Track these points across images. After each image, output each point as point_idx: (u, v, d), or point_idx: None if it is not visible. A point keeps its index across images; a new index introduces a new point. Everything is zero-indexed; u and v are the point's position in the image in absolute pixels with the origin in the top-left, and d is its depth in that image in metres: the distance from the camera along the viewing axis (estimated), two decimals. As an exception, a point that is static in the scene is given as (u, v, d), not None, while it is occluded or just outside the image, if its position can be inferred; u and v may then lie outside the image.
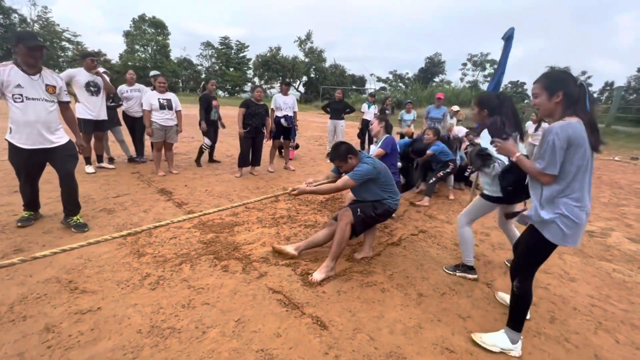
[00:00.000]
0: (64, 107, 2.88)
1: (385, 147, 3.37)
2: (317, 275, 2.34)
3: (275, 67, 43.16)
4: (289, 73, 42.58)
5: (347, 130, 8.27)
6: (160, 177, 4.75)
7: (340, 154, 2.57)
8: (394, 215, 3.91)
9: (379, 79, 45.49)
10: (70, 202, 2.88)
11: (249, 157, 5.21)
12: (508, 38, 3.33)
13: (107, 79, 4.62)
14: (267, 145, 5.70)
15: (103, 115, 4.67)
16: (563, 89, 1.57)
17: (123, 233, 1.87)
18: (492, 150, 2.07)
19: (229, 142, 8.53)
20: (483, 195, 2.42)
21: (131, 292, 2.05)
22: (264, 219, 3.46)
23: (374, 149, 3.45)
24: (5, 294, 1.93)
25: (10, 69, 2.52)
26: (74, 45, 38.78)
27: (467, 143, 2.29)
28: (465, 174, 5.45)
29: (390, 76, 46.26)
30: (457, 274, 2.59)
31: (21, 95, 2.54)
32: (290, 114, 5.58)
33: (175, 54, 45.23)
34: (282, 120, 5.48)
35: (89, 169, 4.69)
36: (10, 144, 2.62)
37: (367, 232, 2.82)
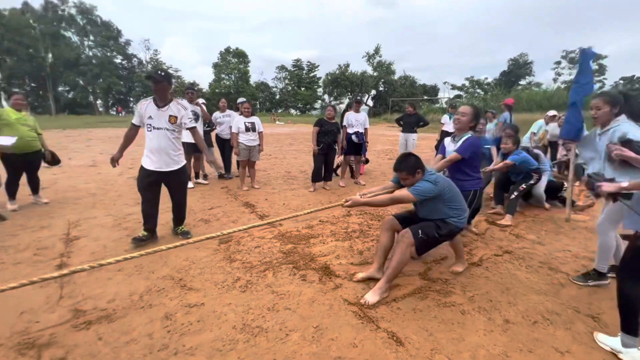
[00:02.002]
0: (192, 132, 3.27)
1: (463, 151, 2.80)
2: (370, 297, 2.26)
3: (344, 84, 44.38)
4: (357, 88, 43.27)
5: (420, 142, 8.04)
6: (244, 191, 5.31)
7: (410, 165, 2.39)
8: (475, 231, 3.66)
9: (454, 87, 43.01)
10: (179, 215, 3.42)
11: (322, 172, 5.48)
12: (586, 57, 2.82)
13: (204, 108, 5.44)
14: (338, 161, 5.92)
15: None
16: None
17: (213, 235, 2.19)
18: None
19: (303, 159, 9.05)
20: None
21: (226, 292, 2.36)
22: (337, 233, 3.60)
23: (451, 150, 2.93)
24: (136, 285, 2.42)
25: (147, 104, 3.04)
26: (175, 79, 46.17)
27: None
28: (560, 194, 4.72)
29: (467, 83, 43.33)
30: (590, 283, 2.54)
31: (151, 125, 3.02)
32: (362, 130, 5.72)
33: (253, 78, 50.09)
34: (354, 137, 5.65)
35: (189, 184, 5.51)
36: (141, 167, 3.13)
37: (455, 245, 2.76)
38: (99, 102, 46.37)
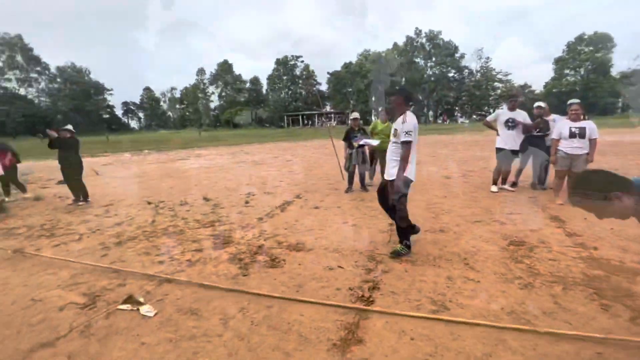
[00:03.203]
0: (401, 145, 2.95)
1: None
2: None
3: None
4: None
5: None
6: (557, 205, 4.70)
7: (603, 185, 1.53)
8: None
9: None
10: (395, 230, 3.22)
11: None
12: None
13: (527, 119, 5.36)
14: None
15: (515, 147, 5.47)
16: None
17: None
18: None
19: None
20: None
21: (503, 282, 2.56)
22: (701, 284, 2.47)
23: None
24: (432, 251, 3.22)
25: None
26: (503, 84, 44.50)
27: None
28: None
29: None
30: None
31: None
32: None
33: (619, 67, 37.31)
34: None
35: (493, 188, 5.67)
36: None
37: None
38: (430, 112, 54.82)
